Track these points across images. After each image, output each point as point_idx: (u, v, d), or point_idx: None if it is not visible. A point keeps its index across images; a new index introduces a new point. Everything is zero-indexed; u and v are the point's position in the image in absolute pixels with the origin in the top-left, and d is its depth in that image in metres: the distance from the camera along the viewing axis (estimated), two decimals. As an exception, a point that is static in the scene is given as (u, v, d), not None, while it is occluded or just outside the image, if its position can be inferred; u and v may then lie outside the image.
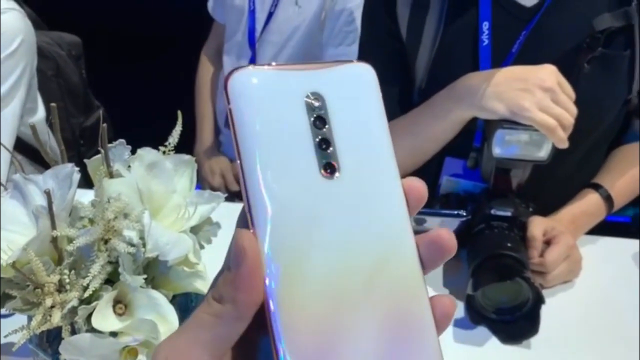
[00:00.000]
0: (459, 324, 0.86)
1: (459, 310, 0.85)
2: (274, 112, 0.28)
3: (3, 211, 0.57)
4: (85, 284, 0.54)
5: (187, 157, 0.62)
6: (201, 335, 0.27)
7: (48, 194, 0.54)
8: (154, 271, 0.60)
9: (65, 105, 1.40)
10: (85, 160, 0.62)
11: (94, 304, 0.55)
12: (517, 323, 0.84)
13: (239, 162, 0.27)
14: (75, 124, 1.44)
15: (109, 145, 0.60)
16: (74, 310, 0.55)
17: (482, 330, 0.85)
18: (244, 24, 1.57)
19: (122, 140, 0.62)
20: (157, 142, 0.62)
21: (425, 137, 1.03)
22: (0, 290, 0.56)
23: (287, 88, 0.28)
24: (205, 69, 1.76)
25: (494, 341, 0.84)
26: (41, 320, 0.54)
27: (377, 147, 0.29)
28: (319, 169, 0.27)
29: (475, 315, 0.84)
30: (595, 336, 0.86)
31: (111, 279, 0.57)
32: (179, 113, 0.63)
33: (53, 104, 0.62)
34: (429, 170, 1.07)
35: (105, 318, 0.55)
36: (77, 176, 0.57)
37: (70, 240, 0.56)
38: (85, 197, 0.59)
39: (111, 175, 0.60)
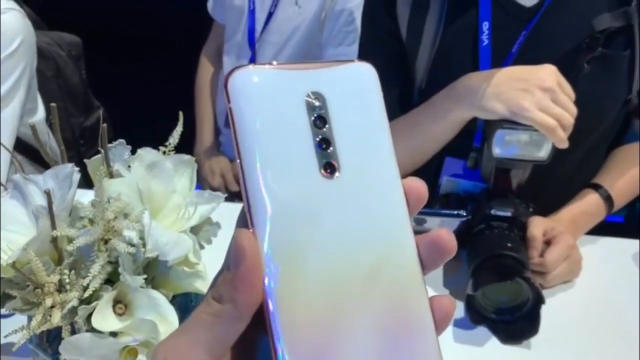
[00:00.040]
0: (459, 324, 0.86)
1: (459, 310, 0.85)
2: (274, 111, 0.28)
3: (3, 211, 0.57)
4: (85, 284, 0.54)
5: (187, 157, 0.62)
6: (201, 335, 0.27)
7: (48, 194, 0.54)
8: (154, 271, 0.60)
9: (65, 106, 1.40)
10: (85, 160, 0.62)
11: (94, 304, 0.55)
12: (517, 323, 0.84)
13: (238, 161, 0.27)
14: (75, 124, 1.44)
15: (109, 145, 0.60)
16: (74, 310, 0.55)
17: (482, 330, 0.85)
18: (244, 24, 1.57)
19: (122, 140, 0.62)
20: (157, 142, 0.62)
21: (425, 137, 1.03)
22: (0, 290, 0.56)
23: (287, 87, 0.28)
24: (205, 70, 1.76)
25: (494, 341, 0.84)
26: (41, 320, 0.54)
27: (378, 147, 0.29)
28: (319, 169, 0.27)
29: (475, 315, 0.84)
30: (595, 336, 0.86)
31: (111, 279, 0.57)
32: (180, 114, 0.63)
33: (53, 104, 0.62)
34: (429, 170, 1.07)
35: (105, 318, 0.55)
36: (77, 176, 0.57)
37: (70, 240, 0.56)
38: (85, 197, 0.59)
39: (111, 175, 0.60)
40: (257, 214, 0.26)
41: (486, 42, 1.01)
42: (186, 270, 0.60)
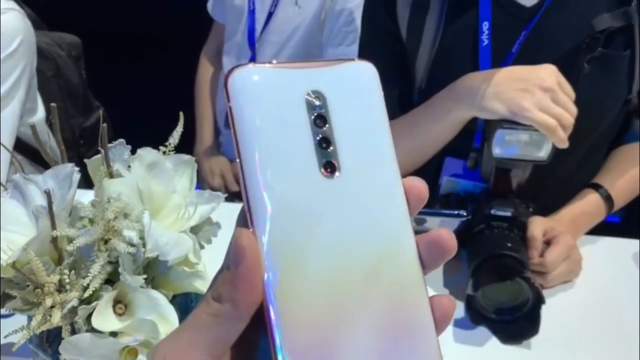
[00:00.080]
0: (459, 324, 0.86)
1: (459, 310, 0.85)
2: (275, 110, 0.27)
3: (3, 211, 0.57)
4: (85, 284, 0.54)
5: (187, 157, 0.62)
6: (200, 335, 0.26)
7: (48, 194, 0.54)
8: (154, 271, 0.60)
9: (65, 106, 1.40)
10: (86, 160, 0.62)
11: (94, 304, 0.55)
12: (517, 323, 0.84)
13: (238, 160, 0.27)
14: (75, 125, 1.44)
15: (109, 145, 0.60)
16: (74, 310, 0.55)
17: (482, 330, 0.85)
18: (244, 24, 1.57)
19: (122, 140, 0.62)
20: (157, 142, 0.62)
21: (425, 137, 1.03)
22: (0, 290, 0.56)
23: (287, 86, 0.28)
24: (205, 70, 1.76)
25: (494, 341, 0.84)
26: (41, 320, 0.54)
27: (378, 147, 0.29)
28: (319, 168, 0.27)
29: (475, 315, 0.84)
30: (595, 336, 0.86)
31: (111, 279, 0.57)
32: (181, 114, 0.63)
33: (53, 104, 0.62)
34: (429, 171, 1.07)
35: (105, 318, 0.55)
36: (77, 176, 0.57)
37: (70, 240, 0.56)
38: (85, 197, 0.59)
39: (111, 175, 0.60)
40: (257, 213, 0.26)
41: (486, 42, 1.01)
42: (186, 270, 0.60)
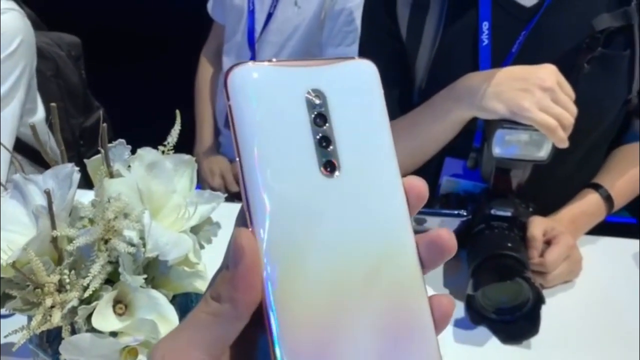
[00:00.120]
0: (459, 324, 0.86)
1: (459, 310, 0.85)
2: (274, 108, 0.27)
3: (3, 211, 0.57)
4: (85, 284, 0.54)
5: (187, 157, 0.62)
6: (199, 334, 0.26)
7: (48, 194, 0.54)
8: (154, 271, 0.60)
9: (65, 106, 1.40)
10: (85, 160, 0.62)
11: (94, 304, 0.55)
12: (517, 323, 0.84)
13: (238, 159, 0.27)
14: (75, 125, 1.44)
15: (109, 145, 0.60)
16: (74, 310, 0.55)
17: (482, 330, 0.85)
18: (244, 24, 1.57)
19: (122, 140, 0.62)
20: (157, 142, 0.62)
21: (425, 137, 1.03)
22: (0, 290, 0.56)
23: (287, 84, 0.28)
24: (204, 70, 1.76)
25: (494, 341, 0.84)
26: (41, 320, 0.54)
27: (378, 146, 0.29)
28: (318, 167, 0.27)
29: (476, 315, 0.84)
30: (595, 336, 0.86)
31: (111, 279, 0.57)
32: (177, 112, 0.63)
33: (53, 104, 0.62)
34: (429, 171, 1.07)
35: (105, 318, 0.55)
36: (77, 176, 0.57)
37: (70, 240, 0.56)
38: (85, 197, 0.59)
39: (111, 175, 0.60)
40: (257, 212, 0.26)
41: (486, 42, 1.01)
42: (186, 270, 0.60)
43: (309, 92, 0.28)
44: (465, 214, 0.93)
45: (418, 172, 1.05)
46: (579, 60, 0.98)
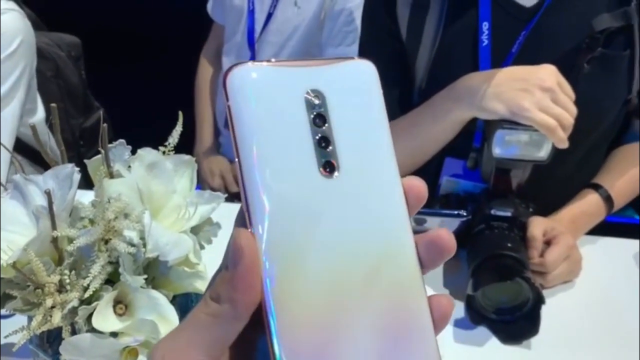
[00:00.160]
0: (459, 324, 0.86)
1: (459, 310, 0.85)
2: (273, 109, 0.27)
3: (3, 211, 0.57)
4: (85, 284, 0.54)
5: (187, 157, 0.62)
6: (199, 335, 0.26)
7: (48, 194, 0.54)
8: (155, 271, 0.60)
9: (65, 106, 1.40)
10: (86, 161, 0.62)
11: (94, 304, 0.55)
12: (517, 323, 0.84)
13: (237, 160, 0.27)
14: (75, 125, 1.44)
15: (109, 145, 0.60)
16: (74, 311, 0.55)
17: (482, 330, 0.85)
18: (243, 24, 1.57)
19: (122, 141, 0.62)
20: (157, 142, 0.62)
21: (425, 137, 1.03)
22: (0, 290, 0.56)
23: (286, 85, 0.28)
24: (204, 71, 1.76)
25: (494, 341, 0.84)
26: (41, 320, 0.54)
27: (377, 146, 0.29)
28: (318, 168, 0.27)
29: (476, 316, 0.84)
30: (595, 336, 0.86)
31: (111, 279, 0.57)
32: (180, 113, 0.63)
33: (53, 105, 0.62)
34: (429, 171, 1.07)
35: (105, 318, 0.55)
36: (77, 176, 0.57)
37: (70, 240, 0.56)
38: (86, 197, 0.59)
39: (111, 175, 0.60)
40: (256, 213, 0.26)
41: (486, 42, 1.01)
42: (186, 271, 0.60)
43: (308, 93, 0.28)
44: (465, 214, 0.93)
45: (418, 172, 1.05)
46: (578, 60, 0.98)
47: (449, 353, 0.82)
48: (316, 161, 0.27)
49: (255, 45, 1.56)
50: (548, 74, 0.90)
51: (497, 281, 0.83)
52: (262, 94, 0.27)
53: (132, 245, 0.55)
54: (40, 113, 1.28)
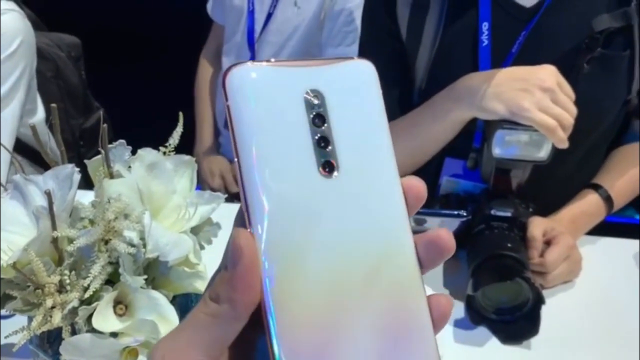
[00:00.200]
0: (459, 324, 0.86)
1: (459, 310, 0.85)
2: (273, 109, 0.27)
3: (3, 212, 0.57)
4: (85, 285, 0.54)
5: (187, 157, 0.62)
6: (198, 335, 0.26)
7: (49, 195, 0.54)
8: (155, 272, 0.60)
9: (65, 107, 1.41)
10: (86, 161, 0.62)
11: (94, 304, 0.55)
12: (517, 323, 0.84)
13: (236, 159, 0.27)
14: (75, 125, 1.44)
15: (109, 145, 0.60)
16: (74, 311, 0.55)
17: (482, 331, 0.85)
18: (243, 24, 1.57)
19: (122, 141, 0.62)
20: (157, 142, 0.62)
21: (425, 137, 1.03)
22: (0, 291, 0.56)
23: (286, 85, 0.28)
24: (204, 71, 1.76)
25: (494, 341, 0.84)
26: (42, 320, 0.54)
27: (377, 146, 0.29)
28: (317, 168, 0.27)
29: (476, 316, 0.84)
30: (595, 336, 0.86)
31: (112, 280, 0.57)
32: (180, 114, 0.63)
33: (53, 105, 0.62)
34: (428, 171, 1.07)
35: (105, 319, 0.55)
36: (77, 177, 0.57)
37: (70, 240, 0.56)
38: (86, 197, 0.59)
39: (111, 175, 0.60)
40: (255, 213, 0.26)
41: (486, 42, 1.01)
42: (187, 271, 0.60)
43: (307, 92, 0.28)
44: (465, 214, 0.93)
45: (418, 172, 1.05)
46: (578, 60, 0.98)
47: (449, 353, 0.82)
48: (315, 161, 0.27)
49: (255, 45, 1.56)
50: (548, 74, 0.90)
51: (497, 281, 0.83)
52: (261, 94, 0.27)
53: (132, 245, 0.55)
54: (40, 113, 1.28)
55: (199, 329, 0.27)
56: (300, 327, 0.25)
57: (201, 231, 0.64)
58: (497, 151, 0.92)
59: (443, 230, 0.28)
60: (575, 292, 0.94)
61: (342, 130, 0.28)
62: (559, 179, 1.05)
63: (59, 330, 0.56)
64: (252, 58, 1.56)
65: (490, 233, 0.91)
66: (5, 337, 0.56)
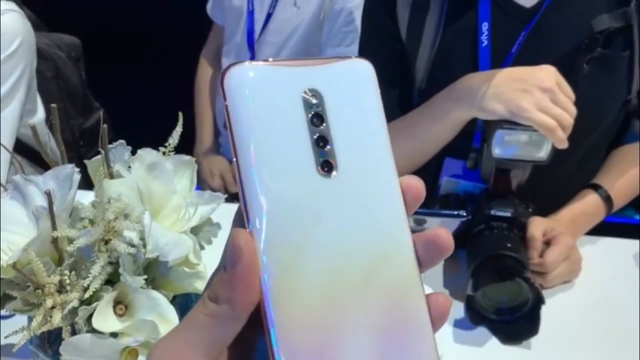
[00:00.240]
0: (459, 324, 0.86)
1: (459, 310, 0.85)
2: (271, 108, 0.27)
3: (3, 212, 0.57)
4: (85, 285, 0.54)
5: (187, 157, 0.63)
6: (197, 335, 0.26)
7: (49, 195, 0.54)
8: (155, 272, 0.60)
9: (65, 107, 1.41)
10: (86, 161, 0.62)
11: (94, 304, 0.55)
12: (517, 323, 0.84)
13: (235, 159, 0.27)
14: (74, 125, 1.44)
15: (109, 146, 0.60)
16: (74, 311, 0.55)
17: (482, 331, 0.85)
18: (243, 25, 1.57)
19: (122, 141, 0.62)
20: (157, 142, 0.62)
21: (425, 137, 1.03)
22: (0, 291, 0.56)
23: (284, 84, 0.28)
24: (204, 71, 1.76)
25: (494, 341, 0.84)
26: (42, 321, 0.54)
27: (375, 145, 0.29)
28: (316, 167, 0.27)
29: (475, 316, 0.84)
30: (595, 336, 0.86)
31: (112, 280, 0.57)
32: (180, 114, 0.63)
33: (53, 105, 0.62)
34: (428, 171, 1.07)
35: (105, 319, 0.55)
36: (77, 177, 0.57)
37: (70, 240, 0.56)
38: (86, 198, 0.59)
39: (111, 176, 0.60)
40: (254, 213, 0.26)
41: (486, 42, 1.01)
42: (186, 271, 0.61)
43: (305, 92, 0.28)
44: (465, 214, 0.93)
45: (418, 172, 1.05)
46: (578, 60, 0.98)
47: (449, 353, 0.82)
48: (314, 160, 0.27)
49: (254, 45, 1.56)
50: (547, 74, 0.90)
51: (497, 281, 0.84)
52: (259, 94, 0.27)
53: (132, 245, 0.55)
54: (40, 113, 1.28)
55: (198, 329, 0.27)
56: (300, 327, 0.25)
57: (201, 231, 0.64)
58: (496, 151, 0.92)
59: (441, 229, 0.28)
60: (575, 292, 0.94)
61: (340, 130, 0.28)
62: (558, 179, 1.05)
63: (59, 330, 0.56)
64: (252, 58, 1.56)
65: (490, 233, 0.91)
66: (5, 337, 0.56)
